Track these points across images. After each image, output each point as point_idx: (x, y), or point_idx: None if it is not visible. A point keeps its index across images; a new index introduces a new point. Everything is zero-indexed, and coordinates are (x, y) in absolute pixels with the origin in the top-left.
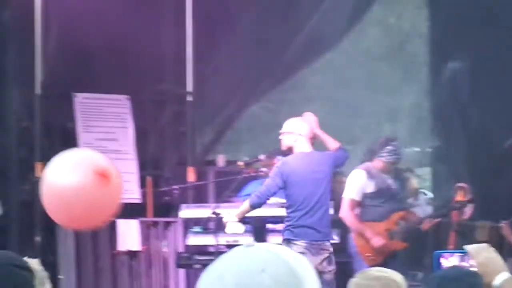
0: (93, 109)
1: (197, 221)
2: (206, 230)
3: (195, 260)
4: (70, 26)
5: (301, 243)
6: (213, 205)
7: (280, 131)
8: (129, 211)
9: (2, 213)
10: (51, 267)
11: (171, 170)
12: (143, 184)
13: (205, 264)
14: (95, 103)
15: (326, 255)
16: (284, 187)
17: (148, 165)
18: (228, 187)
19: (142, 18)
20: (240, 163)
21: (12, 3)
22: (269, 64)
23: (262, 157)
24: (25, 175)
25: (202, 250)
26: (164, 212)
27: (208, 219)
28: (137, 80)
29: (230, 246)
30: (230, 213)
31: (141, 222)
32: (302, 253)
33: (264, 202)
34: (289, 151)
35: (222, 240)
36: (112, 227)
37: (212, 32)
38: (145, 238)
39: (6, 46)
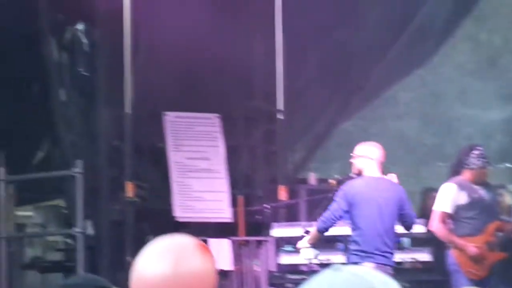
0: (183, 127)
1: (289, 240)
2: (298, 249)
3: (287, 279)
4: (159, 45)
5: (369, 265)
6: (305, 223)
7: (351, 154)
8: (221, 230)
9: (93, 233)
10: None
11: (263, 188)
12: (234, 203)
13: (297, 283)
14: (185, 122)
15: None
16: (349, 210)
17: (239, 183)
18: (319, 205)
19: (231, 36)
20: (331, 181)
21: (102, 24)
22: (359, 80)
23: (353, 175)
24: (115, 195)
25: (294, 269)
26: (256, 231)
27: (300, 238)
28: (227, 98)
29: (322, 265)
30: (303, 239)
31: (233, 242)
32: None
33: (331, 226)
34: (359, 175)
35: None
36: None
37: (302, 49)
38: (237, 257)
39: (96, 65)
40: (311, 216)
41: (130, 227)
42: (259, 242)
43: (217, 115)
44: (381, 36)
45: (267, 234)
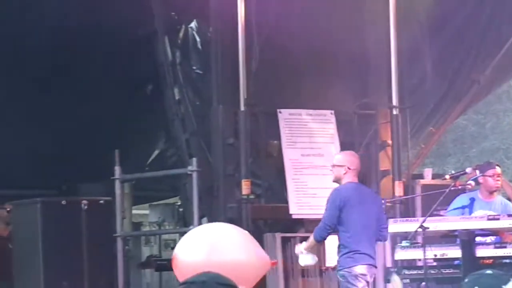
0: (298, 124)
1: (405, 236)
2: (414, 244)
3: (403, 275)
4: (273, 42)
5: (362, 266)
6: (421, 219)
7: (331, 164)
8: None
9: None
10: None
11: (378, 184)
12: None
13: (413, 279)
14: (300, 119)
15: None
16: (339, 215)
17: None
18: (435, 200)
19: (345, 32)
20: (447, 177)
21: (215, 21)
22: (474, 75)
23: (468, 169)
24: (231, 193)
25: (410, 264)
26: None
27: (416, 233)
28: (342, 94)
29: (438, 260)
30: (299, 245)
31: None
32: (364, 274)
33: (327, 235)
34: (337, 183)
35: (430, 254)
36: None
37: (415, 44)
38: None
39: (210, 64)
40: (427, 212)
41: (246, 225)
42: None
43: (331, 111)
44: (497, 29)
45: None
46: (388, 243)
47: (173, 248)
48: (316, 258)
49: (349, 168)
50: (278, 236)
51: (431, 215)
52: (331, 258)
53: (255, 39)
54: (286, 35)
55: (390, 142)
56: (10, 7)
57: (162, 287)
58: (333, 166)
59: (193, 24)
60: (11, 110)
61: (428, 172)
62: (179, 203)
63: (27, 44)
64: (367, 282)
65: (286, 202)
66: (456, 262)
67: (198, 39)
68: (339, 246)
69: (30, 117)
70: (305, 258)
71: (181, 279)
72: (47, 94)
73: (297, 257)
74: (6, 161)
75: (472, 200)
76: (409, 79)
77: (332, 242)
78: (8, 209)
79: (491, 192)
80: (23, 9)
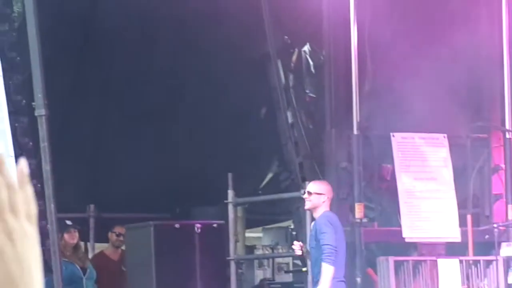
0: (411, 148)
1: None
2: None
3: None
4: (386, 65)
5: None
6: None
7: (308, 191)
8: (450, 250)
9: None
10: None
11: (491, 207)
12: (463, 223)
13: None
14: (413, 142)
15: None
16: None
17: (467, 203)
18: None
19: (458, 54)
20: None
21: (329, 45)
22: None
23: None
24: (344, 216)
25: None
26: (485, 250)
27: None
28: (454, 117)
29: None
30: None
31: (462, 261)
32: None
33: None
34: (311, 210)
35: None
36: (433, 265)
37: None
38: (466, 277)
39: (324, 87)
40: None
41: (360, 248)
42: (488, 262)
43: (444, 135)
44: None
45: (496, 254)
46: (500, 266)
47: (286, 272)
48: None
49: (327, 198)
50: (391, 259)
51: None
52: (445, 281)
53: (368, 62)
54: (398, 57)
55: (503, 166)
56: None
57: None
58: (311, 194)
59: (306, 48)
60: (127, 133)
61: None
62: (292, 227)
63: (147, 69)
64: None
65: (399, 225)
66: None
67: (311, 62)
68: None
69: (143, 140)
70: None
71: None
72: (163, 119)
73: (410, 280)
74: (120, 184)
75: None
76: None
77: (446, 265)
78: (117, 232)
79: None
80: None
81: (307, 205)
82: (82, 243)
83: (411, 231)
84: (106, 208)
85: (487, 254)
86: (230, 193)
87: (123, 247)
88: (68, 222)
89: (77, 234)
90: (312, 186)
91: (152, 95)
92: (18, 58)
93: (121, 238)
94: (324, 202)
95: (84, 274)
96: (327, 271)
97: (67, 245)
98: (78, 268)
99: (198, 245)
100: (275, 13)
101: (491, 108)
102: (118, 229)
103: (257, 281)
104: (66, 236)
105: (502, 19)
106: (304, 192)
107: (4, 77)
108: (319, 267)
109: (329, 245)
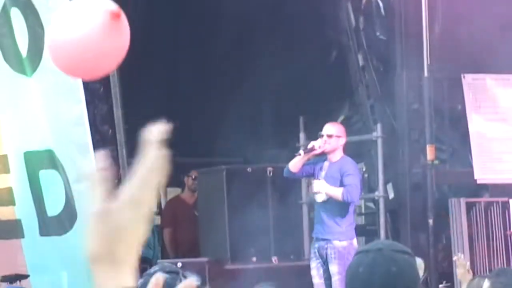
0: (482, 89)
1: None
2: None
3: None
4: (456, 7)
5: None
6: None
7: (328, 133)
8: None
9: (393, 197)
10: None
11: None
12: None
13: None
14: (484, 84)
15: None
16: None
17: None
18: None
19: None
20: None
21: None
22: None
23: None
24: (415, 158)
25: None
26: None
27: None
28: None
29: None
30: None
31: None
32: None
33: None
34: (329, 153)
35: None
36: (505, 206)
37: None
38: None
39: (394, 29)
40: None
41: (431, 190)
42: None
43: None
44: None
45: None
46: None
47: (358, 214)
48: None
49: (345, 141)
50: (463, 201)
51: None
52: None
53: (438, 3)
54: (468, 1)
55: None
56: None
57: None
58: (332, 136)
59: None
60: (199, 77)
61: None
62: (364, 169)
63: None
64: None
65: (471, 167)
66: None
67: (381, 4)
68: (343, 215)
69: (214, 85)
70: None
71: None
72: (234, 64)
73: (482, 222)
74: (192, 129)
75: None
76: None
77: None
78: (194, 176)
79: None
80: None
81: (326, 148)
82: None
83: (482, 172)
84: (178, 153)
85: None
86: (302, 136)
87: None
88: None
89: None
90: (332, 128)
91: (223, 40)
92: None
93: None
94: (341, 145)
95: None
96: (337, 193)
97: None
98: None
99: (270, 188)
100: None
101: None
102: (195, 173)
103: None
104: None
105: None
106: (322, 135)
107: None
108: (323, 223)
109: (358, 188)
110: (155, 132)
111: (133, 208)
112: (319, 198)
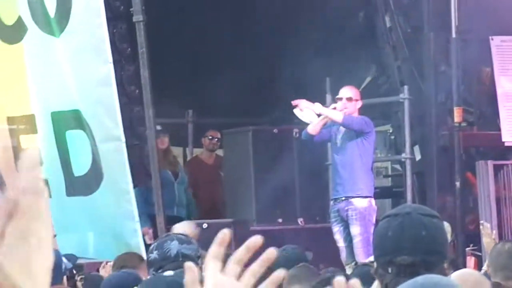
0: (510, 51)
1: None
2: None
3: None
4: None
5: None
6: None
7: (348, 97)
8: None
9: (421, 159)
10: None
11: None
12: None
13: None
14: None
15: None
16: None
17: None
18: None
19: None
20: None
21: None
22: None
23: None
24: (443, 120)
25: None
26: None
27: None
28: None
29: None
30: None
31: None
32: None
33: (359, 127)
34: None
35: None
36: None
37: None
38: None
39: None
40: None
41: (459, 152)
42: None
43: None
44: None
45: None
46: None
47: (384, 176)
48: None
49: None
50: (490, 163)
51: None
52: None
53: None
54: None
55: None
56: None
57: None
58: (351, 100)
59: None
60: (226, 39)
61: None
62: (390, 131)
63: None
64: None
65: (499, 129)
66: None
67: None
68: (363, 172)
69: (241, 47)
70: (309, 117)
71: None
72: (261, 25)
73: (509, 184)
74: (218, 90)
75: None
76: None
77: None
78: (210, 136)
79: None
80: None
81: (346, 111)
82: (180, 149)
83: (510, 134)
84: (204, 114)
85: None
86: (328, 97)
87: (218, 152)
88: (158, 127)
89: (166, 139)
90: (350, 92)
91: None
92: None
93: (214, 141)
94: (358, 108)
95: (175, 179)
96: (337, 116)
97: (157, 150)
98: (169, 173)
99: (296, 149)
100: None
101: None
102: (211, 133)
103: None
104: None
105: None
106: (341, 98)
107: None
108: (343, 182)
109: (363, 118)
110: (26, 159)
111: (20, 244)
112: (306, 117)
